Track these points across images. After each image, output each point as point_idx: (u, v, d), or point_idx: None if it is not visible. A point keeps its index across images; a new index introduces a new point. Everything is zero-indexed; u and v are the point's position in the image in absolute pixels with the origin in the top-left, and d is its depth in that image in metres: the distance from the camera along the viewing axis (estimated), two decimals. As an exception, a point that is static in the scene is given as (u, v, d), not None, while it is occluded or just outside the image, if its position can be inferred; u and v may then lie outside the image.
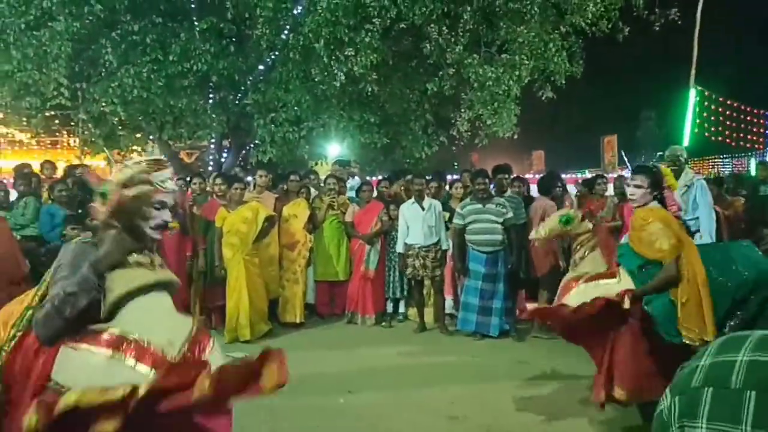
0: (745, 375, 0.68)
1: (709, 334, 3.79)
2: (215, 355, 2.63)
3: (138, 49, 11.05)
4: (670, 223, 4.17)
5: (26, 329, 2.50)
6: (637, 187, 4.28)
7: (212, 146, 14.40)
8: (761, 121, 27.95)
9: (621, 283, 4.21)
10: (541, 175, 10.76)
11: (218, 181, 8.36)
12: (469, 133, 13.08)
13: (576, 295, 4.38)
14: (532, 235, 6.79)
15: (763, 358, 0.67)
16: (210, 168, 14.31)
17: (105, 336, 2.42)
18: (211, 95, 12.75)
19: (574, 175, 17.00)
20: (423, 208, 7.92)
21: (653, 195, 4.28)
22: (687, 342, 3.86)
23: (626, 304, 4.00)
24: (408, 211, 8.00)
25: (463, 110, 12.56)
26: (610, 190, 8.58)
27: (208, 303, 8.06)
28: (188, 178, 9.23)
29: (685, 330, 3.90)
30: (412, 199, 8.05)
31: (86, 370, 2.36)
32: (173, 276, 2.69)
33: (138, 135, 13.44)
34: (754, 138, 26.46)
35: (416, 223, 7.88)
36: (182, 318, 2.67)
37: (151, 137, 13.48)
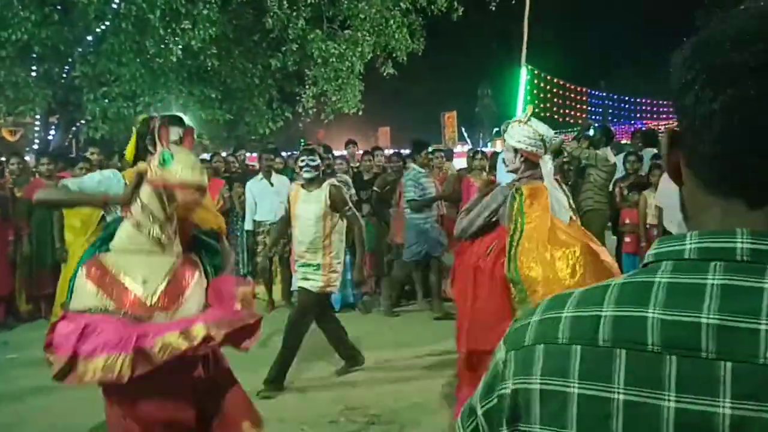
0: (570, 330, 0.70)
1: None
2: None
3: (-55, 16, 9.94)
4: None
5: None
6: None
7: (38, 122, 13.30)
8: (583, 98, 30.32)
9: None
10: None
11: (44, 160, 7.75)
12: (314, 110, 13.05)
13: None
14: None
15: (585, 313, 0.70)
16: (36, 146, 13.24)
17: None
18: (34, 67, 11.73)
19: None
20: (272, 184, 7.82)
21: None
22: None
23: None
24: (256, 187, 7.86)
25: (307, 86, 12.50)
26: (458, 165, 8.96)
27: (35, 291, 7.49)
28: (4, 158, 8.46)
29: None
30: (260, 175, 7.92)
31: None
32: None
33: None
34: (577, 114, 28.58)
35: (265, 200, 7.76)
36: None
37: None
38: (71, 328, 2.70)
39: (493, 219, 3.76)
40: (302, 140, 20.55)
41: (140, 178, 2.87)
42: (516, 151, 3.72)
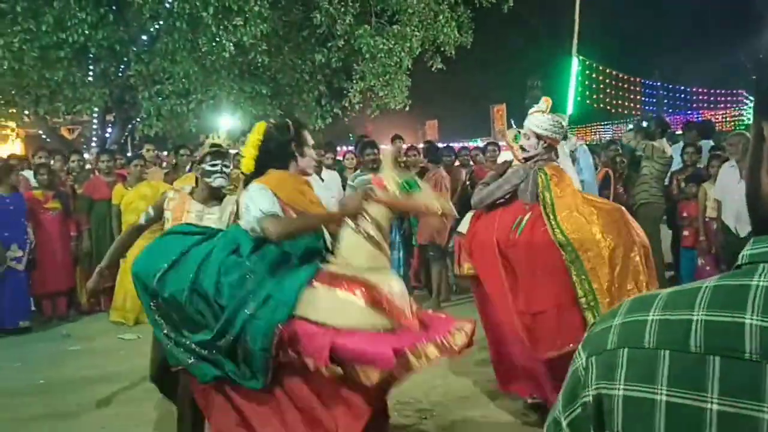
0: (657, 334, 0.67)
1: None
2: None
3: (7, 19, 10.29)
4: None
5: None
6: None
7: (95, 121, 13.68)
8: (637, 88, 29.61)
9: None
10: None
11: (104, 157, 7.97)
12: (361, 105, 13.06)
13: None
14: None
15: (674, 317, 0.66)
16: (93, 144, 13.63)
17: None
18: (90, 67, 12.09)
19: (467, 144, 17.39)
20: (323, 180, 7.86)
21: None
22: None
23: None
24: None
25: (355, 81, 12.53)
26: (502, 158, 8.84)
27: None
28: (65, 155, 8.73)
29: None
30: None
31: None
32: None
33: (12, 110, 12.58)
34: (631, 105, 27.99)
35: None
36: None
37: (26, 112, 12.68)
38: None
39: (510, 194, 4.18)
40: (350, 135, 20.64)
41: (365, 194, 2.97)
42: (539, 137, 4.21)
